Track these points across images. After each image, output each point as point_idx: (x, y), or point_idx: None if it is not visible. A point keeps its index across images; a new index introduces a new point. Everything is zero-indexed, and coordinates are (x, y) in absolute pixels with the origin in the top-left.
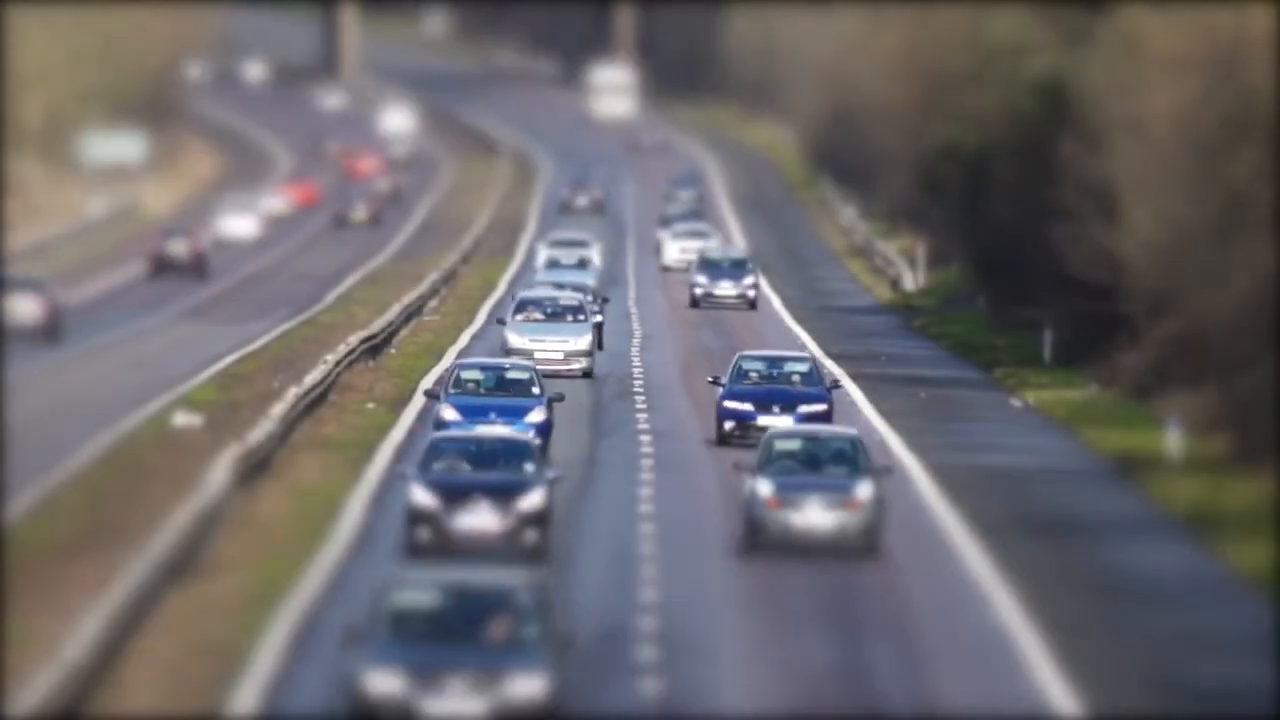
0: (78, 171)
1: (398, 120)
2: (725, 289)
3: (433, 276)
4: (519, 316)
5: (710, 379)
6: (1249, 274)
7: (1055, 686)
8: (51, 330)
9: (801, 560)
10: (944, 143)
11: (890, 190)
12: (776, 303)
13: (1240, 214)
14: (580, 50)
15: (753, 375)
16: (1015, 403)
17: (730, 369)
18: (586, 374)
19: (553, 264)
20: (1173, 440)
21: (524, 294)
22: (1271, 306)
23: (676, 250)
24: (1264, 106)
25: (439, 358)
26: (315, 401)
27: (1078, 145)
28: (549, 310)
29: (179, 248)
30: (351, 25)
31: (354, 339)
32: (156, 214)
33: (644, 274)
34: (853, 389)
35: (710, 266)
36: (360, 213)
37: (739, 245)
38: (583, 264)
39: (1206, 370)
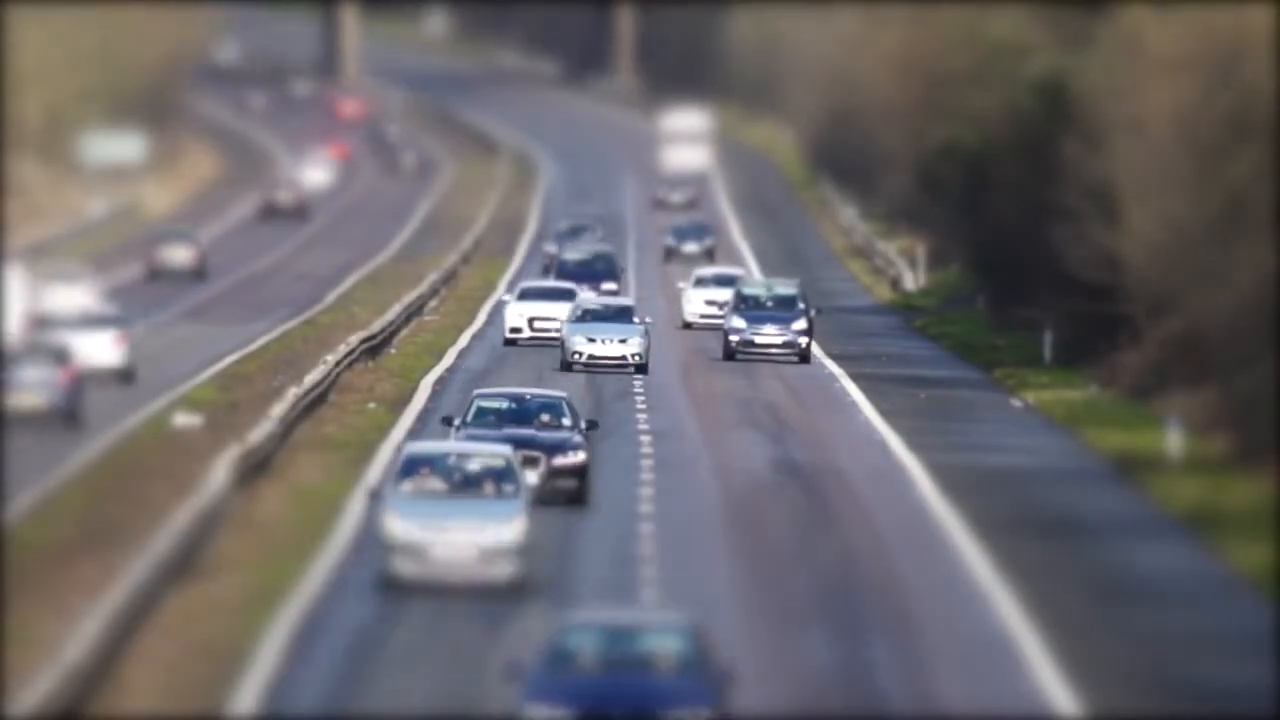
0: (78, 172)
1: (228, 53)
2: (769, 335)
3: (433, 277)
4: (406, 484)
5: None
6: (1249, 274)
7: (1055, 686)
8: (199, 272)
9: (802, 563)
10: (944, 143)
11: (890, 190)
12: None
13: (1240, 214)
14: (580, 51)
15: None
16: (1015, 403)
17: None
18: (514, 586)
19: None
20: (1173, 440)
21: (413, 449)
22: (1271, 306)
23: (701, 303)
24: (1264, 106)
25: (439, 357)
26: (315, 401)
27: (1078, 145)
28: (456, 477)
29: (286, 196)
30: (352, 25)
31: (354, 339)
32: (156, 214)
33: (645, 275)
34: (853, 389)
35: (749, 306)
36: (410, 161)
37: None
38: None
39: (1207, 370)
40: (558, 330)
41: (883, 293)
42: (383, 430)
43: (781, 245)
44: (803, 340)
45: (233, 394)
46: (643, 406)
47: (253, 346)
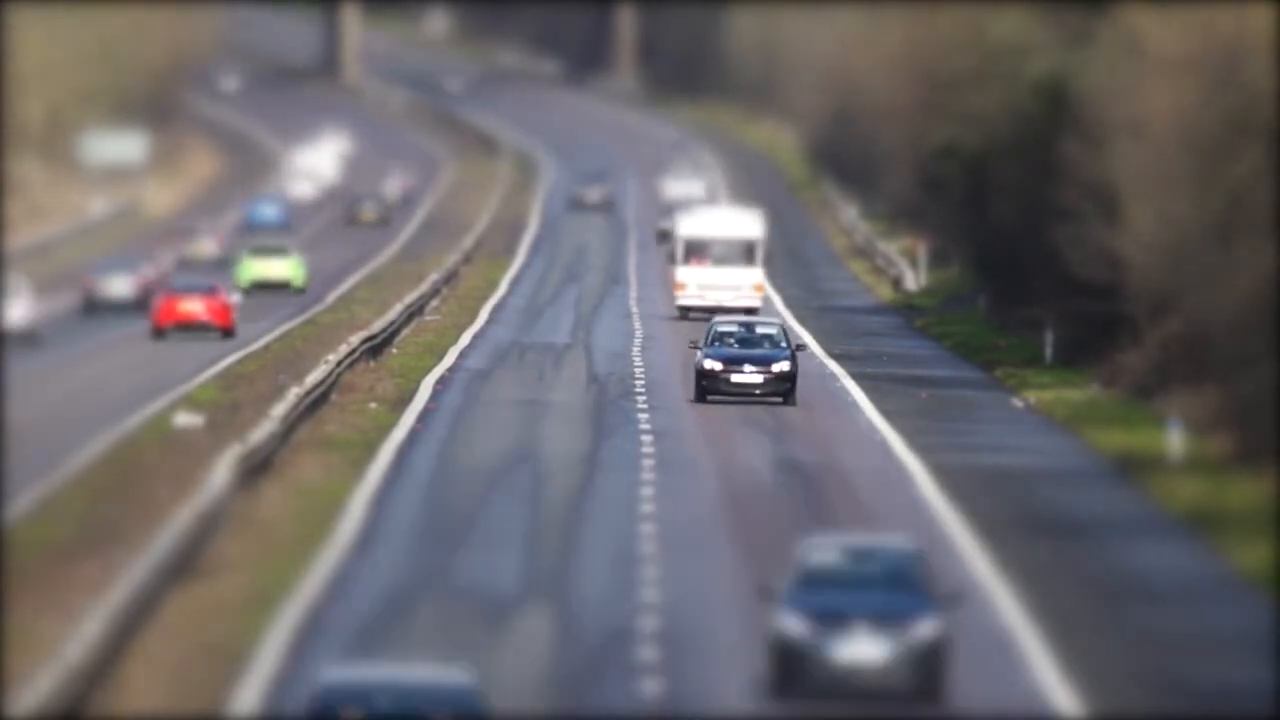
0: (79, 171)
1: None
2: None
3: (434, 276)
4: None
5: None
6: (1250, 274)
7: (1056, 686)
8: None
9: None
10: (945, 142)
11: (891, 190)
12: (779, 302)
13: (1240, 214)
14: (581, 50)
15: None
16: (1017, 403)
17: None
18: None
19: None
20: (1174, 440)
21: None
22: (1272, 306)
23: None
24: (1264, 107)
25: (440, 357)
26: (317, 401)
27: (1079, 145)
28: None
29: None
30: (352, 25)
31: (355, 339)
32: (158, 214)
33: (645, 274)
34: (854, 389)
35: None
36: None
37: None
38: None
39: (1208, 370)
40: None
41: (884, 292)
42: (384, 430)
43: (783, 245)
44: None
45: (234, 393)
46: (644, 406)
47: (254, 346)
